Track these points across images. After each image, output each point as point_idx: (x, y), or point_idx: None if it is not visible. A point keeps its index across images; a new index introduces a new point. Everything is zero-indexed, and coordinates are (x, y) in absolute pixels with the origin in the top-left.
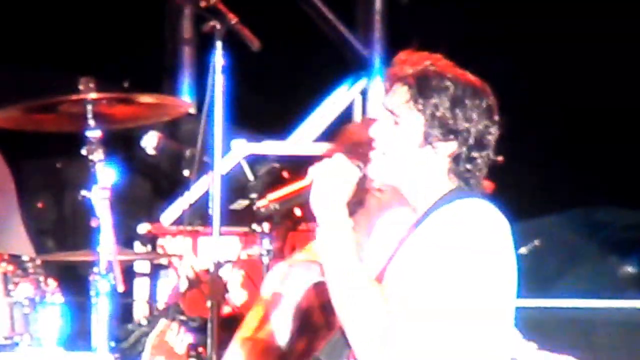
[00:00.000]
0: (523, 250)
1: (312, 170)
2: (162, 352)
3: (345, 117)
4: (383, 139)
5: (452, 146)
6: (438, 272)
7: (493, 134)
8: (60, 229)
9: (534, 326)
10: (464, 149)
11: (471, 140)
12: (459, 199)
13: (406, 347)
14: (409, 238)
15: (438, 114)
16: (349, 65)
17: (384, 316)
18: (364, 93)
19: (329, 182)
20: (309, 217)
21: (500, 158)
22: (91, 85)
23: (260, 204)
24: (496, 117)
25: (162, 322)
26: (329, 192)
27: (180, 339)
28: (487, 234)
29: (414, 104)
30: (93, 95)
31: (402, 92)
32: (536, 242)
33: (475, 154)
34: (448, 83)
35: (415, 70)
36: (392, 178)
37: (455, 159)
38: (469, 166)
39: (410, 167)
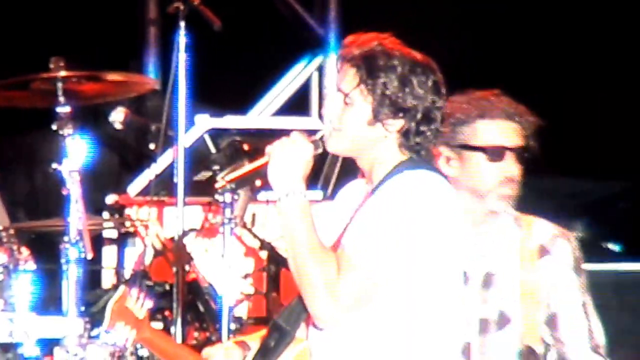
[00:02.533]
0: None
1: (269, 149)
2: (122, 318)
3: (303, 92)
4: (336, 116)
5: (400, 122)
6: (383, 235)
7: (440, 108)
8: (31, 201)
9: None
10: (413, 124)
11: (419, 116)
12: (408, 170)
13: (353, 305)
14: (362, 208)
15: (387, 93)
16: (306, 43)
17: (336, 280)
18: (320, 69)
19: (286, 159)
20: (268, 187)
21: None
22: (61, 64)
23: (218, 185)
24: (443, 91)
25: (121, 289)
26: (286, 168)
27: (140, 304)
28: (432, 201)
29: (364, 85)
30: (63, 73)
31: (351, 73)
32: None
33: (423, 128)
34: (395, 62)
35: (362, 51)
36: (346, 151)
37: (405, 134)
38: (418, 139)
39: (363, 142)
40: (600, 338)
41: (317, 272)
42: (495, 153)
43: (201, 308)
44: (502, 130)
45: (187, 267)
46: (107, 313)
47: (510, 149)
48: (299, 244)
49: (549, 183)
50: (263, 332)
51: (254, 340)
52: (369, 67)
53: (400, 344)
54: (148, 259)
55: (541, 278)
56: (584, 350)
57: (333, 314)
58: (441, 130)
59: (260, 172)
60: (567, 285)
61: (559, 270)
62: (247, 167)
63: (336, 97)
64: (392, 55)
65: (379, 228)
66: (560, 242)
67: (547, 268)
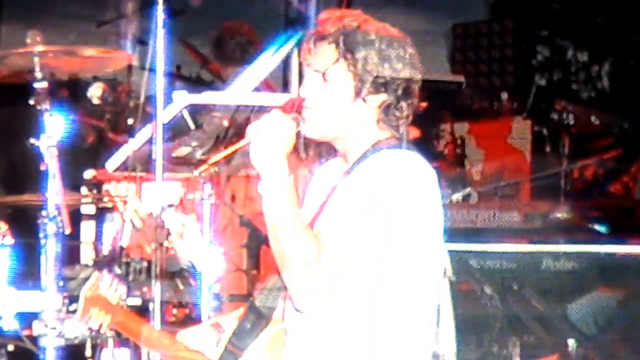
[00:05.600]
0: (456, 196)
1: (250, 129)
2: (95, 304)
3: (283, 68)
4: (314, 98)
5: (382, 98)
6: (362, 217)
7: (417, 82)
8: (9, 176)
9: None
10: (393, 99)
11: (400, 91)
12: (386, 149)
13: (331, 287)
14: (339, 186)
15: (368, 68)
16: (286, 19)
17: (316, 262)
18: (299, 45)
19: (267, 139)
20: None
21: (424, 104)
22: (38, 38)
23: (201, 169)
24: (419, 65)
25: (95, 275)
26: (268, 148)
27: (114, 289)
28: (410, 183)
29: (344, 61)
30: (40, 48)
31: (329, 50)
32: (468, 190)
33: (403, 103)
34: (373, 37)
35: (338, 28)
36: (327, 134)
37: (385, 109)
38: (397, 114)
39: (343, 122)
40: None
41: (299, 252)
42: None
43: (180, 285)
44: None
45: (165, 244)
46: (81, 300)
47: None
48: (281, 223)
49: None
50: (237, 312)
51: (228, 320)
52: (347, 42)
53: (378, 327)
54: (126, 235)
55: None
56: None
57: (311, 295)
58: (417, 104)
59: (242, 153)
60: None
61: None
62: (229, 149)
63: (313, 78)
64: (369, 31)
65: (357, 210)
66: None
67: None
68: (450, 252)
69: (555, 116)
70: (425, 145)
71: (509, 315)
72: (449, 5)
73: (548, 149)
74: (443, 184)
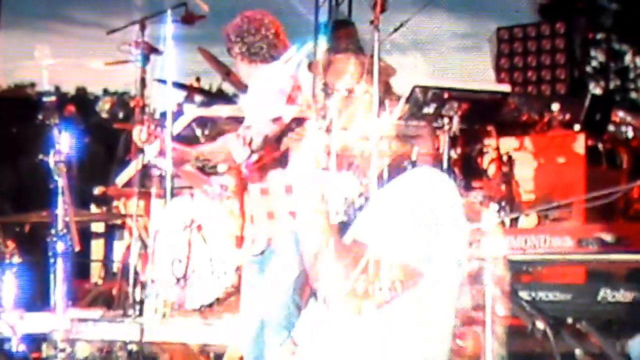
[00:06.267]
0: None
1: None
2: None
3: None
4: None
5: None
6: (402, 229)
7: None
8: (17, 192)
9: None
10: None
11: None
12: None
13: (365, 295)
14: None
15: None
16: (295, 30)
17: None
18: (309, 57)
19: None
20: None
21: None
22: (46, 51)
23: (213, 184)
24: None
25: None
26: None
27: None
28: (442, 198)
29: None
30: (48, 61)
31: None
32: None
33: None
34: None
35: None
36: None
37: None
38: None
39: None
40: None
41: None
42: None
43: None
44: None
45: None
46: None
47: None
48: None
49: None
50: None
51: None
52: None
53: (409, 333)
54: (136, 252)
55: None
56: None
57: (344, 301)
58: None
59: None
60: None
61: None
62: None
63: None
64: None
65: (391, 223)
66: None
67: None
68: None
69: (612, 128)
70: (467, 162)
71: (564, 351)
72: (493, 7)
73: (604, 165)
74: (487, 204)
